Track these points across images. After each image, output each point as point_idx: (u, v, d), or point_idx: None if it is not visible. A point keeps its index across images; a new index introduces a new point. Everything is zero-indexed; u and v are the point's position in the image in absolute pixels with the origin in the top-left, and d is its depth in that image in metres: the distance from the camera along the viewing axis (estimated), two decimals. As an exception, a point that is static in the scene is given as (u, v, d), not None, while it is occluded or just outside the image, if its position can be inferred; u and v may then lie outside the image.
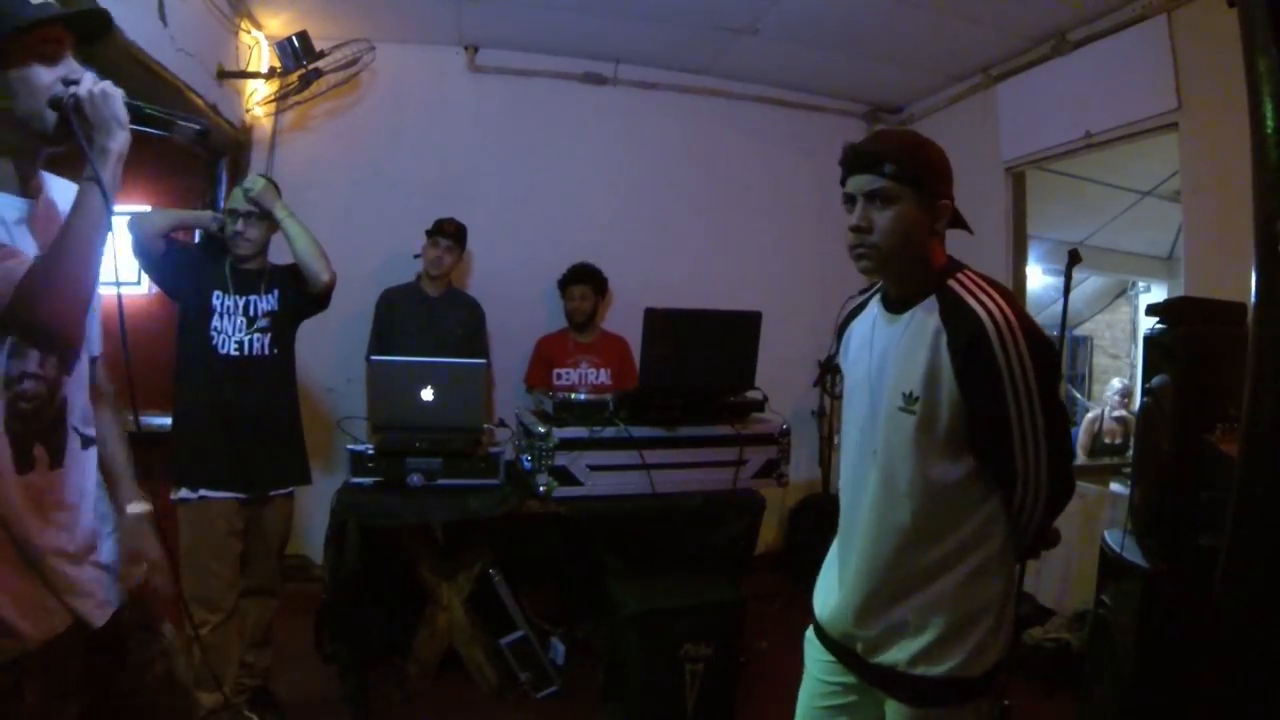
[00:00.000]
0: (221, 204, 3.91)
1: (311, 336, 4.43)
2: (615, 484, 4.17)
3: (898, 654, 2.11)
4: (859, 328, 2.38)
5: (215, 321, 3.70)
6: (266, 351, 3.80)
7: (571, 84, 6.31)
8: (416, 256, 5.38)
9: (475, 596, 4.44)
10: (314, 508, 4.54)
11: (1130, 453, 5.40)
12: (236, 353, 3.73)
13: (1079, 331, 9.49)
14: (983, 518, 2.07)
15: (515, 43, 6.05)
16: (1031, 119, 5.50)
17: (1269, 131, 1.84)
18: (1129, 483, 3.85)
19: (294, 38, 5.11)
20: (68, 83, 1.77)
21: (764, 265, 6.67)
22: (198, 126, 2.00)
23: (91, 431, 2.06)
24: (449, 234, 5.24)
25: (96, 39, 1.91)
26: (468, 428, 4.19)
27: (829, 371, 6.10)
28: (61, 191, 1.98)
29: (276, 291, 3.84)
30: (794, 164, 6.79)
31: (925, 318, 2.07)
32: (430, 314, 5.29)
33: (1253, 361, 2.11)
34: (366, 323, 5.29)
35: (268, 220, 3.80)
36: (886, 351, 2.16)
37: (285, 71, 5.27)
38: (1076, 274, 3.95)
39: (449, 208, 5.38)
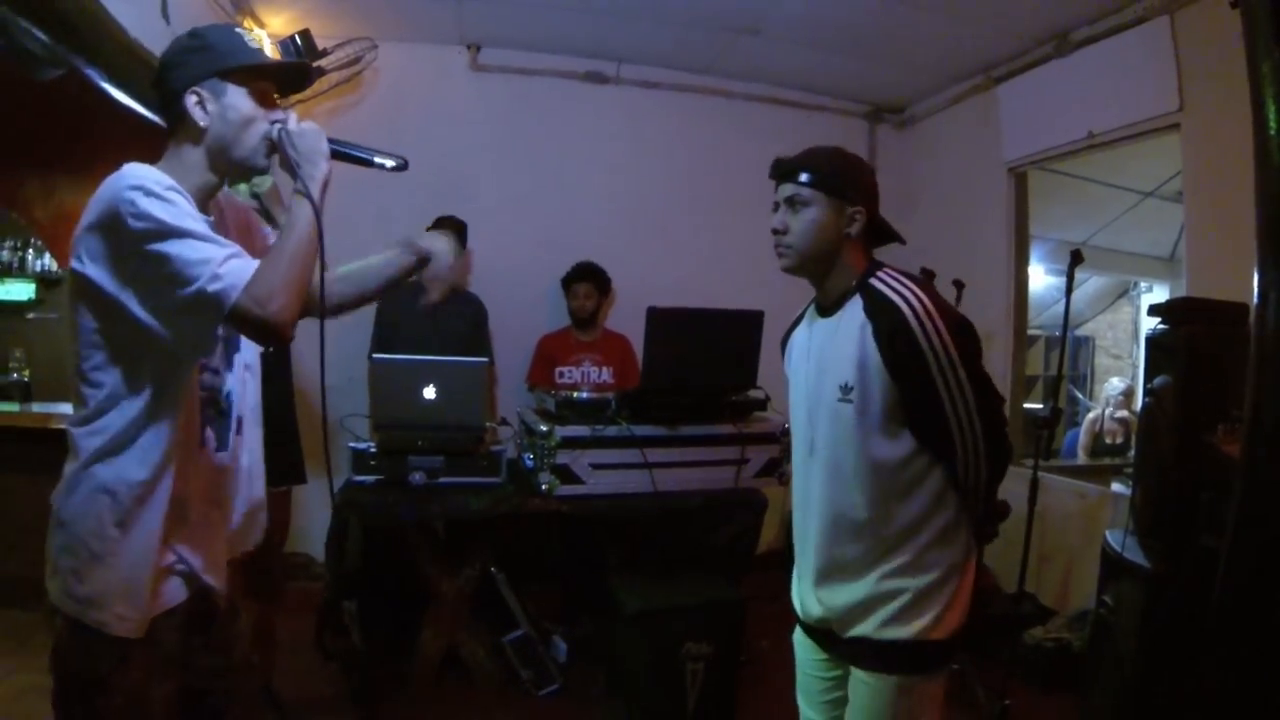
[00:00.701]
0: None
1: (313, 335, 4.43)
2: (617, 482, 4.17)
3: (868, 625, 2.25)
4: (798, 337, 2.62)
5: None
6: (261, 350, 3.79)
7: (573, 83, 6.31)
8: None
9: (477, 595, 4.44)
10: (316, 506, 4.54)
11: (1132, 453, 5.41)
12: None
13: (1081, 332, 9.50)
14: (931, 492, 2.22)
15: (517, 42, 6.05)
16: (1033, 119, 5.50)
17: (1271, 133, 1.85)
18: (1130, 483, 3.86)
19: (296, 36, 5.10)
20: (274, 122, 1.99)
21: (766, 264, 6.59)
22: (394, 163, 2.25)
23: (250, 416, 2.34)
24: (449, 231, 5.23)
25: (297, 90, 2.26)
26: (470, 426, 4.19)
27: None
28: (241, 209, 2.32)
29: None
30: (796, 164, 6.75)
31: (852, 314, 2.26)
32: (432, 312, 5.27)
33: (1255, 362, 2.11)
34: (367, 321, 5.29)
35: (269, 220, 3.80)
36: (822, 351, 2.36)
37: (288, 70, 5.27)
38: (1078, 274, 3.98)
39: (451, 206, 5.38)
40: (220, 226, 2.03)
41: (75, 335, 1.89)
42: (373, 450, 4.09)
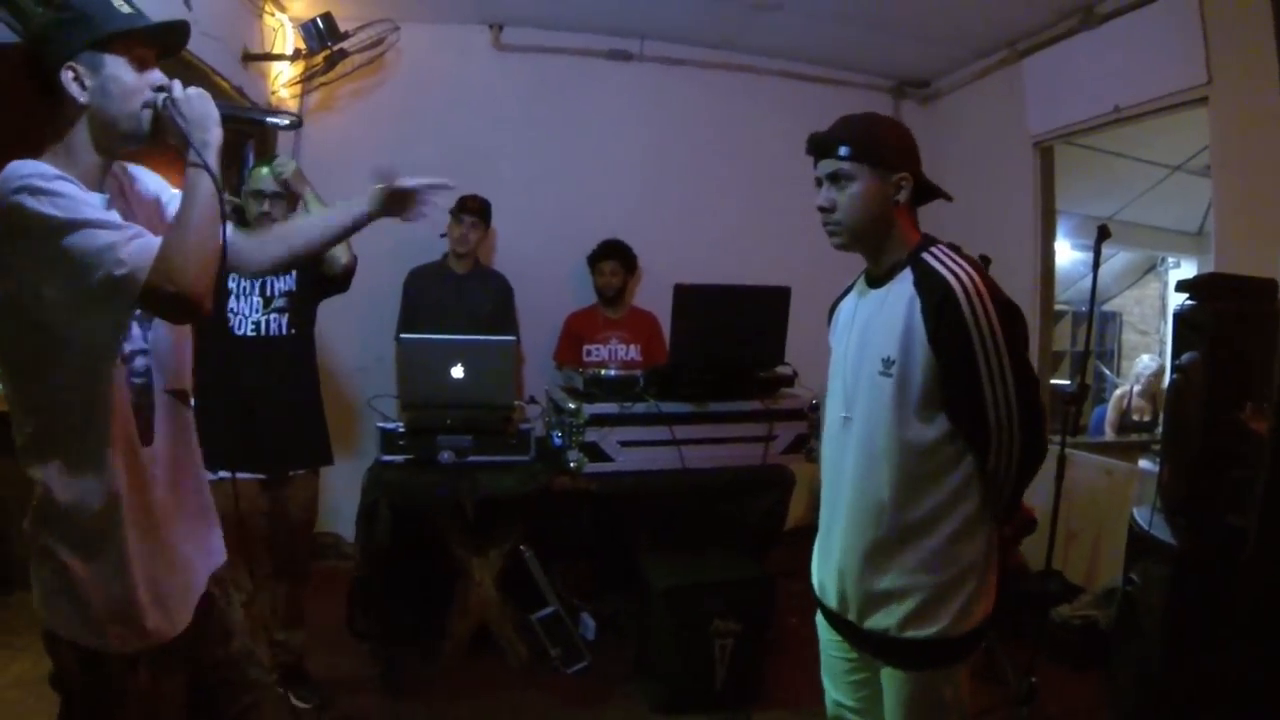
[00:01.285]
0: (244, 187, 3.89)
1: (339, 316, 4.46)
2: (645, 460, 4.20)
3: (887, 619, 2.21)
4: (845, 306, 2.53)
5: (231, 303, 3.72)
6: (284, 332, 3.81)
7: (597, 61, 6.30)
8: (443, 236, 5.40)
9: (506, 573, 4.47)
10: (345, 486, 4.58)
11: (1159, 430, 5.39)
12: (254, 333, 3.74)
13: (1108, 307, 9.45)
14: (959, 480, 2.17)
15: (540, 20, 6.04)
16: (1059, 93, 5.46)
17: (1301, 109, 1.85)
18: (1158, 460, 3.85)
19: (318, 19, 5.11)
20: (158, 89, 1.89)
21: (793, 240, 6.63)
22: (287, 120, 2.15)
23: (184, 386, 2.15)
24: (473, 211, 5.25)
25: (175, 52, 2.05)
26: (498, 405, 4.22)
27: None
28: (139, 176, 2.16)
29: (295, 272, 3.83)
30: (821, 139, 6.74)
31: (901, 288, 2.20)
32: (459, 292, 5.30)
33: (1284, 339, 2.11)
34: (393, 301, 5.31)
35: (290, 201, 3.81)
36: (867, 323, 2.30)
37: (310, 53, 5.28)
38: (1105, 249, 3.95)
39: (475, 186, 5.38)
40: (119, 200, 1.99)
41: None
42: (401, 430, 4.12)
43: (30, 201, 1.66)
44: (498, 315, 5.38)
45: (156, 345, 2.02)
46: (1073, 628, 4.42)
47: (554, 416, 4.45)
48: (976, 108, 6.41)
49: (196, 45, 4.11)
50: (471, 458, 4.13)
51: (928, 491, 2.17)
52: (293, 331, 3.83)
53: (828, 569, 2.45)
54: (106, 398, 1.84)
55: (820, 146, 2.33)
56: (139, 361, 1.97)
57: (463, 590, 4.44)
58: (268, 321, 3.77)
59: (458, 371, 4.07)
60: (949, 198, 2.36)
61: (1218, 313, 3.28)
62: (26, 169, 1.72)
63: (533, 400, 4.80)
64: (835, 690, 2.59)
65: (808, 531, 6.60)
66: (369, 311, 5.37)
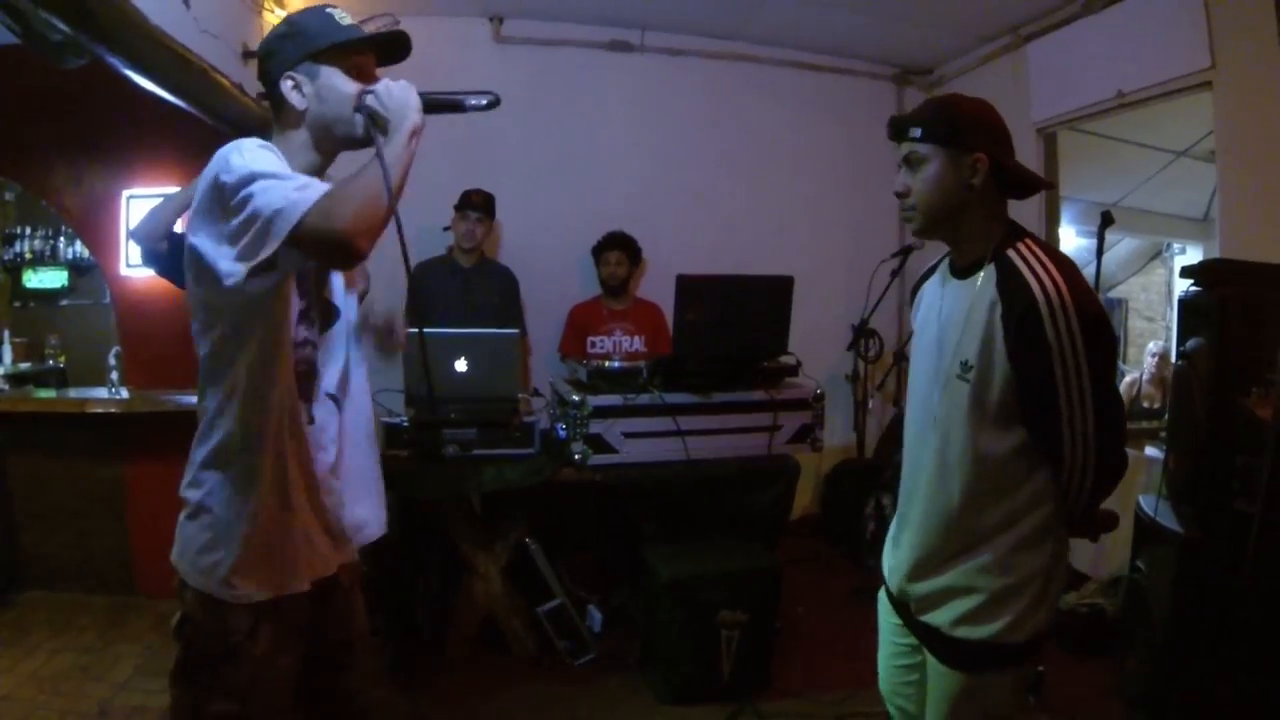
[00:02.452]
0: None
1: (345, 310, 4.45)
2: (650, 451, 4.20)
3: (942, 615, 2.18)
4: (929, 291, 2.43)
5: None
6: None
7: (598, 52, 6.29)
8: (446, 229, 5.40)
9: (512, 566, 4.49)
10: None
11: (1166, 416, 5.38)
12: None
13: (1113, 294, 9.40)
14: (1031, 490, 2.09)
15: (541, 12, 6.03)
16: (1063, 79, 5.44)
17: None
18: (1163, 447, 3.84)
19: (317, 13, 5.10)
20: (365, 91, 2.02)
21: (796, 230, 6.66)
22: (486, 101, 2.21)
23: (341, 395, 2.30)
24: (478, 206, 5.25)
25: (400, 58, 2.22)
26: (503, 397, 4.22)
27: (863, 335, 6.10)
28: None
29: None
30: (824, 128, 6.79)
31: (984, 287, 2.09)
32: (465, 285, 5.31)
33: (1289, 326, 2.10)
34: (397, 296, 5.31)
35: None
36: (950, 317, 2.21)
37: (311, 46, 5.27)
38: (1110, 236, 3.94)
39: (478, 179, 5.38)
40: None
41: (194, 316, 1.95)
42: (406, 424, 4.13)
43: (235, 157, 1.80)
44: (504, 308, 5.39)
45: (326, 342, 2.24)
46: (1079, 616, 4.42)
47: (559, 409, 4.45)
48: (980, 94, 6.26)
49: (195, 42, 4.14)
50: (477, 451, 4.14)
51: (999, 498, 2.12)
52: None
53: (895, 557, 2.42)
54: (276, 370, 1.97)
55: (896, 128, 2.23)
56: (306, 351, 2.15)
57: (469, 583, 4.44)
58: None
59: (462, 364, 4.07)
60: (1051, 186, 2.23)
61: (1223, 298, 3.27)
62: (248, 140, 1.87)
63: (537, 393, 4.80)
64: (884, 674, 2.56)
65: (814, 521, 6.65)
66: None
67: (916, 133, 2.15)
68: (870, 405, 6.43)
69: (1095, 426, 1.98)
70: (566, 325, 5.81)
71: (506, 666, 4.40)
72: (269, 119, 2.08)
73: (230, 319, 1.90)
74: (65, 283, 7.81)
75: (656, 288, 5.72)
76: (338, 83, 2.01)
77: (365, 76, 2.07)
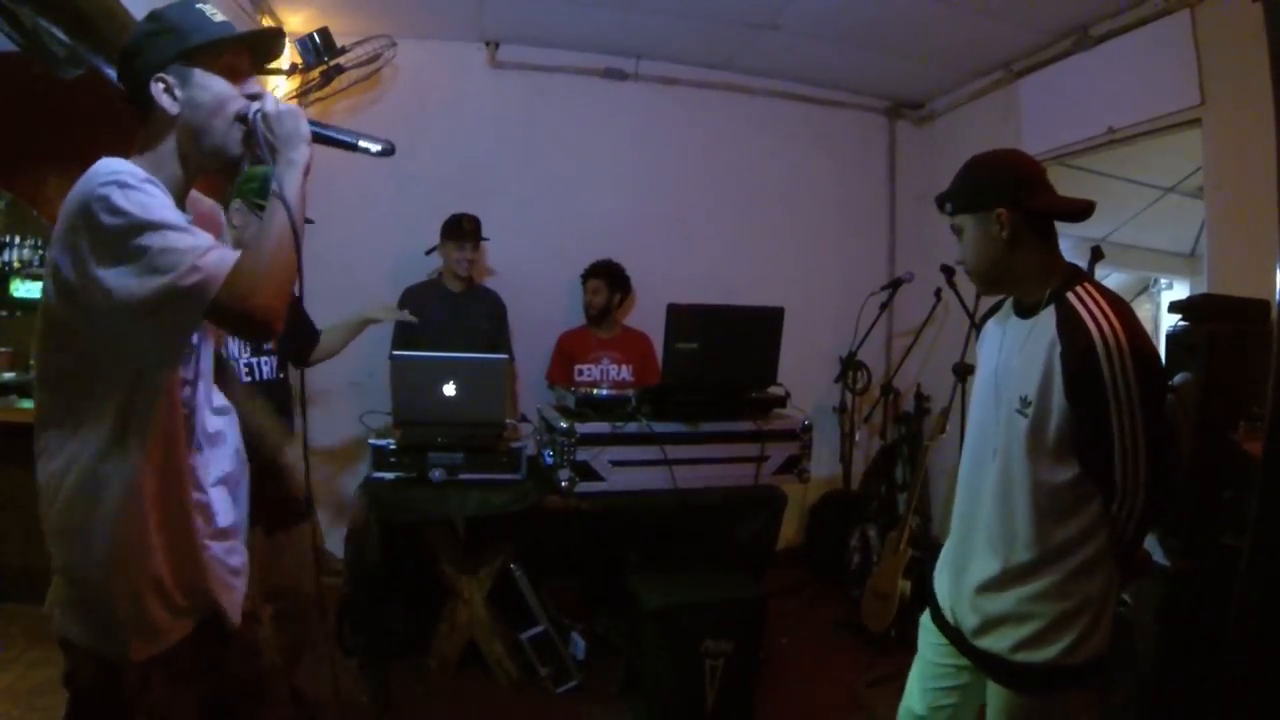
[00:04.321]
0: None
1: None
2: (637, 479, 4.19)
3: (1001, 641, 2.31)
4: (992, 328, 2.60)
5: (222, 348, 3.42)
6: (274, 375, 3.68)
7: (592, 80, 6.30)
8: (429, 253, 5.41)
9: (496, 591, 4.47)
10: (335, 502, 4.56)
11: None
12: (248, 379, 3.55)
13: (1101, 328, 9.44)
14: (1087, 519, 2.22)
15: (536, 38, 6.04)
16: (1053, 114, 5.47)
17: (1293, 129, 1.84)
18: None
19: (315, 34, 5.11)
20: (251, 98, 1.90)
21: (786, 261, 6.67)
22: (379, 147, 2.08)
23: (222, 402, 2.22)
24: (471, 233, 5.26)
25: (272, 60, 2.08)
26: (490, 422, 4.22)
27: (851, 367, 6.11)
28: (212, 209, 2.21)
29: None
30: (816, 160, 6.80)
31: (1044, 327, 2.25)
32: (455, 310, 5.29)
33: (1276, 359, 2.11)
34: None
35: None
36: (1011, 354, 2.37)
37: (306, 68, 5.27)
38: (1099, 271, 3.96)
39: (470, 203, 5.38)
40: (200, 226, 1.91)
41: (40, 349, 1.83)
42: (393, 447, 4.11)
43: (118, 195, 1.65)
44: (493, 333, 5.39)
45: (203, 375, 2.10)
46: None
47: (546, 435, 4.43)
48: (971, 129, 6.43)
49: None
50: (463, 475, 4.14)
51: (1058, 527, 2.23)
52: (281, 375, 3.73)
53: (950, 584, 2.54)
54: (147, 418, 1.84)
55: (940, 206, 2.46)
56: (186, 392, 1.99)
57: (452, 608, 4.42)
58: (259, 365, 3.62)
59: (450, 389, 4.07)
60: (1075, 217, 2.37)
61: (1210, 333, 3.29)
62: (121, 165, 1.73)
63: (525, 419, 4.80)
64: (914, 696, 2.67)
65: (799, 552, 6.64)
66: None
67: (950, 207, 2.40)
68: (857, 438, 6.42)
69: (1147, 460, 2.12)
70: (554, 353, 5.79)
71: (488, 692, 4.36)
72: None
73: (97, 361, 1.79)
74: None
75: (646, 317, 5.73)
76: (213, 85, 1.86)
77: (238, 80, 1.92)
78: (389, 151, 2.11)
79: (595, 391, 4.37)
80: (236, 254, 1.73)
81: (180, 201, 1.91)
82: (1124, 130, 4.88)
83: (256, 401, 3.09)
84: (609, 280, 5.74)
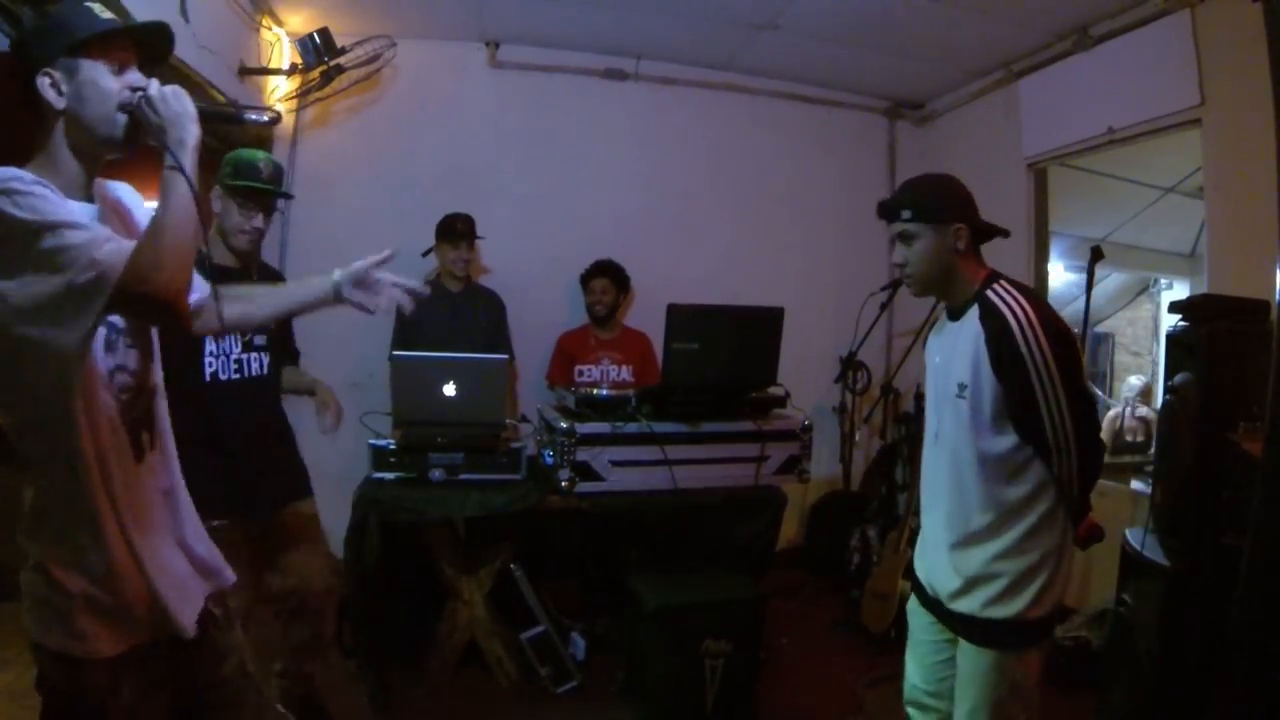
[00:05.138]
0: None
1: (333, 332, 4.46)
2: (637, 479, 4.19)
3: (973, 602, 2.58)
4: (933, 338, 2.91)
5: (210, 345, 3.35)
6: (265, 372, 3.57)
7: (592, 80, 6.30)
8: (424, 255, 5.41)
9: (496, 591, 4.47)
10: (335, 503, 4.56)
11: (1151, 451, 5.37)
12: (237, 375, 3.44)
13: (1100, 329, 9.42)
14: (1034, 482, 2.52)
15: (536, 38, 6.04)
16: (1054, 114, 5.48)
17: (1293, 129, 1.84)
18: (1150, 481, 3.84)
19: (315, 34, 5.10)
20: (135, 89, 1.88)
21: (786, 261, 6.67)
22: (267, 116, 2.12)
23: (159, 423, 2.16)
24: (464, 233, 5.26)
25: (161, 57, 2.04)
26: (490, 423, 4.21)
27: (851, 367, 6.10)
28: (122, 194, 2.15)
29: None
30: (815, 160, 6.81)
31: (970, 323, 2.58)
32: (453, 309, 5.28)
33: (1276, 359, 2.11)
34: (386, 318, 5.29)
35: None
36: (948, 353, 2.70)
37: (306, 68, 5.27)
38: (1098, 271, 3.96)
39: (469, 204, 5.37)
40: (114, 218, 2.01)
41: None
42: (393, 447, 4.11)
43: (6, 204, 1.65)
44: (491, 333, 5.38)
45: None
46: (1064, 649, 4.40)
47: (546, 435, 4.43)
48: (971, 129, 6.43)
49: (193, 58, 4.15)
50: (463, 475, 4.14)
51: (1007, 492, 2.53)
52: (272, 371, 3.62)
53: (926, 561, 2.83)
54: (76, 409, 1.83)
55: (888, 212, 2.71)
56: (121, 379, 1.98)
57: (452, 608, 4.42)
58: (248, 360, 3.49)
59: (450, 389, 4.05)
60: (1005, 234, 2.74)
61: (1210, 334, 3.29)
62: (8, 173, 1.71)
63: (525, 419, 4.79)
64: (916, 674, 2.90)
65: (800, 552, 6.64)
66: (363, 328, 5.34)
67: (907, 214, 2.63)
68: (857, 438, 6.42)
69: (1071, 418, 2.42)
70: (554, 353, 5.79)
71: (488, 693, 4.37)
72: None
73: (15, 368, 1.79)
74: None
75: (646, 317, 5.72)
76: (99, 78, 1.85)
77: (125, 72, 1.90)
78: (275, 120, 2.15)
79: (595, 392, 4.37)
80: (130, 243, 1.75)
81: (85, 193, 1.92)
82: (1124, 130, 4.89)
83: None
84: (614, 280, 5.75)
